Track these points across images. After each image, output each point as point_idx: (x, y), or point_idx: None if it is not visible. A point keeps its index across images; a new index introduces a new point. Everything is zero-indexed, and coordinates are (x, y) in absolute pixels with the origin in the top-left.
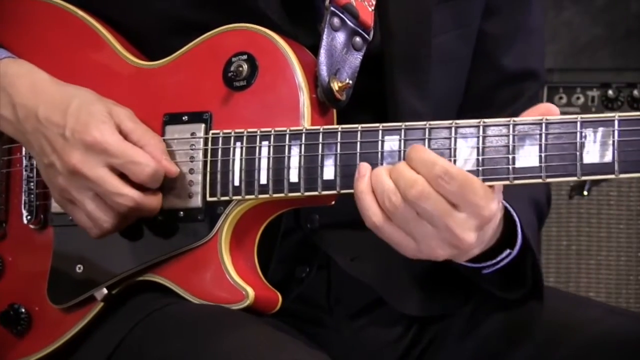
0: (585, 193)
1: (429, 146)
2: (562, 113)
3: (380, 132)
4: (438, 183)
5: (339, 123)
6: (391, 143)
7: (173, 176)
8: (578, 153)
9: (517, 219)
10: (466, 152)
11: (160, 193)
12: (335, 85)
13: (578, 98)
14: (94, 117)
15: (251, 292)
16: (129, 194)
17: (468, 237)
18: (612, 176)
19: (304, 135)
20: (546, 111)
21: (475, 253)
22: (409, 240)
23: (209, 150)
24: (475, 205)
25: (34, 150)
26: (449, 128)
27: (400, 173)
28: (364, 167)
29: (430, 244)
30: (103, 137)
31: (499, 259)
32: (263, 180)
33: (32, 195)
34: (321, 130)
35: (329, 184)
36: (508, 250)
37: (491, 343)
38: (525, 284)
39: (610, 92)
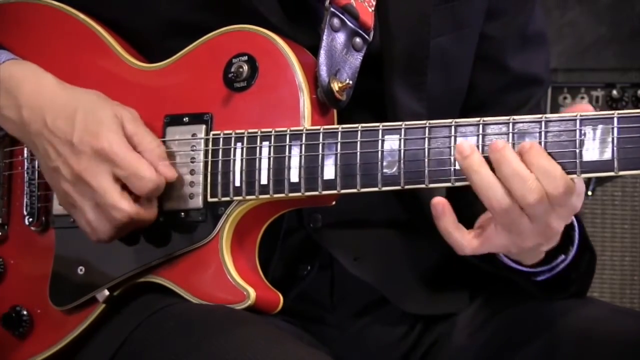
0: (590, 193)
1: (429, 145)
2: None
3: (380, 131)
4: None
5: (339, 123)
6: (391, 142)
7: (171, 180)
8: (577, 150)
9: (575, 224)
10: None
11: (156, 204)
12: (336, 86)
13: (582, 98)
14: (103, 125)
15: (252, 293)
16: (126, 210)
17: (560, 228)
18: (612, 173)
19: (304, 135)
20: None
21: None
22: (503, 234)
23: (210, 151)
24: (574, 206)
25: (38, 152)
26: (449, 127)
27: (517, 174)
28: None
29: (522, 236)
30: (111, 147)
31: (554, 264)
32: (264, 181)
33: (34, 198)
34: (321, 130)
35: (329, 184)
36: (562, 256)
37: (495, 343)
38: (568, 287)
39: (614, 92)
